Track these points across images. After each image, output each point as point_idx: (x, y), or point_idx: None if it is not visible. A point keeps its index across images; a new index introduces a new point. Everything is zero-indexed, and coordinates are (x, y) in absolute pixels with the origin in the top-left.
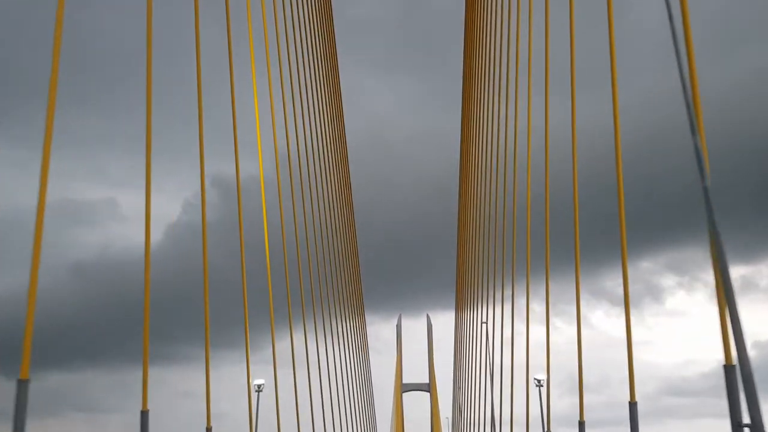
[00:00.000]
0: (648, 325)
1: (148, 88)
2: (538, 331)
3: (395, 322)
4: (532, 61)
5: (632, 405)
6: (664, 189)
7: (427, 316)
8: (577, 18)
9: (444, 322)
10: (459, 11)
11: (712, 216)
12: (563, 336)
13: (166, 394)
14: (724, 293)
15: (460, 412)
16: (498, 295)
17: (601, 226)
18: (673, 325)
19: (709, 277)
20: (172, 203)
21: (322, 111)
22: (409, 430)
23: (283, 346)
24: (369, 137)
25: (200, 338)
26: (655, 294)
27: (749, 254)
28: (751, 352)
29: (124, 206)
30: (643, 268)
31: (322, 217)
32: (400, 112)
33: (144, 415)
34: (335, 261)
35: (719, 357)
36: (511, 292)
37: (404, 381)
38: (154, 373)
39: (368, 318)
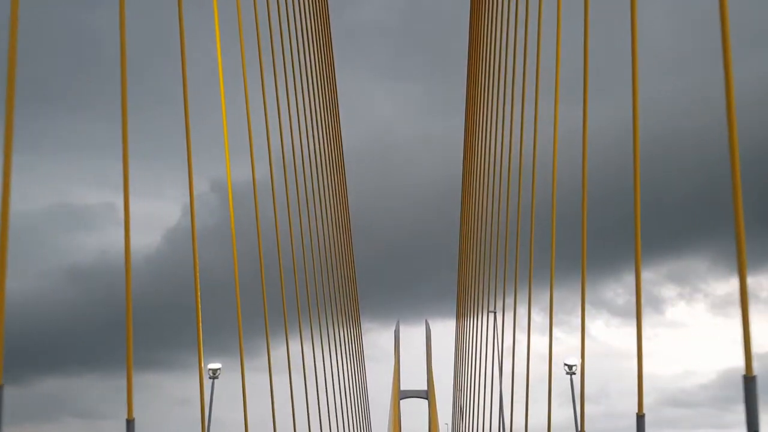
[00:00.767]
0: (647, 336)
1: (123, 90)
2: (539, 342)
3: (399, 334)
4: (539, 65)
5: (640, 417)
6: (666, 197)
7: (426, 322)
8: (578, 21)
9: (443, 331)
10: (463, 14)
11: (739, 226)
12: (563, 346)
13: (164, 401)
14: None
15: (461, 414)
16: (500, 304)
17: (601, 235)
18: (673, 336)
19: (710, 287)
20: (173, 207)
21: (318, 118)
22: None
23: (278, 353)
24: (370, 142)
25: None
26: (656, 305)
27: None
28: (753, 364)
29: (122, 211)
30: (644, 278)
31: (318, 226)
32: (402, 118)
33: (130, 424)
34: (331, 269)
35: (718, 368)
36: (513, 300)
37: (402, 388)
38: (152, 379)
39: (367, 326)
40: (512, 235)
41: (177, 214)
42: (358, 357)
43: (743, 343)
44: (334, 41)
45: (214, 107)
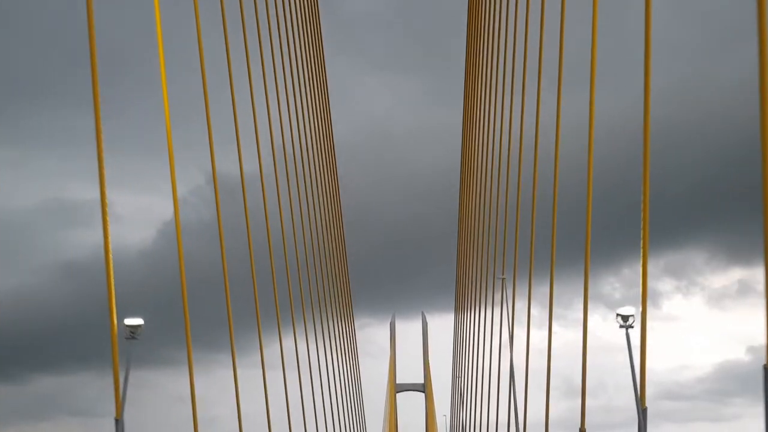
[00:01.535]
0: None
1: (95, 87)
2: (535, 335)
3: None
4: (542, 55)
5: (642, 411)
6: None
7: (422, 314)
8: (582, 14)
9: (441, 325)
10: (461, 5)
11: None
12: (560, 340)
13: (160, 398)
14: None
15: (461, 404)
16: (498, 297)
17: (598, 229)
18: (670, 330)
19: (707, 281)
20: (169, 202)
21: (308, 110)
22: (404, 430)
23: (273, 350)
24: (366, 134)
25: (196, 340)
26: (653, 298)
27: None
28: (748, 356)
29: (118, 206)
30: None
31: (309, 219)
32: (399, 109)
33: (118, 423)
34: (322, 263)
35: (714, 361)
36: (512, 293)
37: (398, 381)
38: (148, 376)
39: (365, 321)
40: (511, 225)
41: (173, 208)
42: (351, 350)
43: (766, 333)
44: (332, 33)
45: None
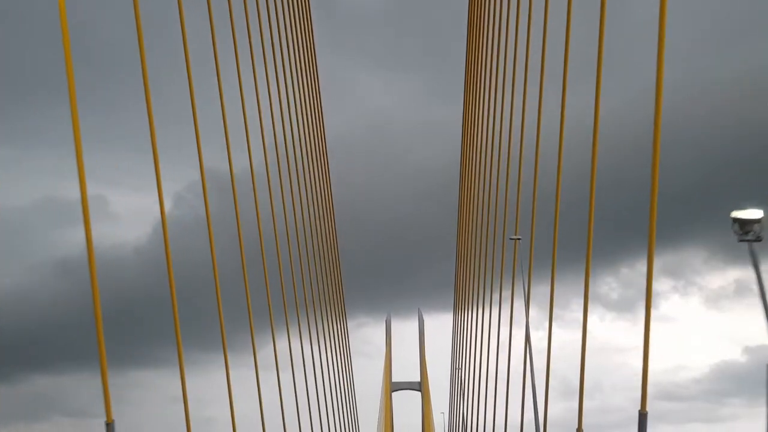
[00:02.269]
0: (639, 331)
1: (70, 82)
2: (533, 336)
3: (390, 325)
4: (545, 50)
5: (642, 415)
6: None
7: (419, 311)
8: (586, 9)
9: (439, 324)
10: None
11: None
12: (557, 340)
13: (156, 399)
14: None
15: (461, 398)
16: (496, 297)
17: (595, 228)
18: (666, 330)
19: (704, 281)
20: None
21: (299, 107)
22: (399, 429)
23: (267, 350)
24: (365, 131)
25: (192, 340)
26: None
27: None
28: (745, 357)
29: (114, 204)
30: (639, 271)
31: (303, 218)
32: (397, 106)
33: (109, 427)
34: (315, 261)
35: (710, 362)
36: (510, 292)
37: (394, 379)
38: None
39: (360, 320)
40: (511, 223)
41: (168, 205)
42: (344, 349)
43: None
44: (330, 29)
45: (209, 98)
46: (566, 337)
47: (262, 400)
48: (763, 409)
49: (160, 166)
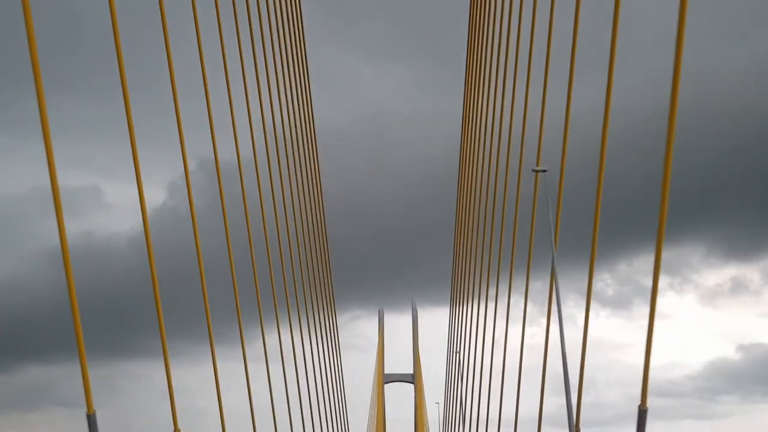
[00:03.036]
0: (636, 327)
1: (36, 70)
2: (527, 332)
3: (383, 316)
4: (551, 39)
5: (642, 411)
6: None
7: (413, 302)
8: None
9: (434, 319)
10: None
11: None
12: (551, 336)
13: (150, 391)
14: None
15: (455, 389)
16: (492, 293)
17: (591, 221)
18: (662, 327)
19: (701, 278)
20: (159, 190)
21: (287, 98)
22: (391, 422)
23: (258, 342)
24: (361, 121)
25: (187, 331)
26: (646, 295)
27: None
28: (738, 355)
29: (109, 195)
30: (636, 267)
31: (291, 209)
32: (393, 96)
33: (90, 419)
34: (303, 252)
35: (704, 359)
36: (507, 286)
37: (387, 371)
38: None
39: (354, 313)
40: (509, 221)
41: (163, 196)
42: (333, 340)
43: None
44: (327, 18)
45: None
46: (560, 333)
47: (251, 393)
48: (755, 406)
49: (156, 156)
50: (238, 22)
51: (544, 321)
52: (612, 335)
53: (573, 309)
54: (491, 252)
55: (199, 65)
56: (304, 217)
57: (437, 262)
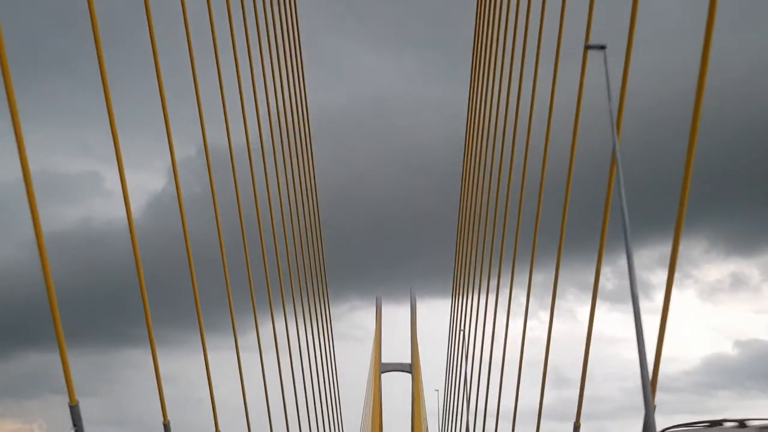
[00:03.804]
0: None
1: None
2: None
3: (382, 308)
4: (562, 27)
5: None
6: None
7: (411, 291)
8: None
9: (436, 310)
10: None
11: None
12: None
13: (148, 379)
14: None
15: (455, 380)
16: (493, 284)
17: (591, 213)
18: (659, 322)
19: (701, 273)
20: (159, 176)
21: (280, 87)
22: (388, 413)
23: (252, 332)
24: (364, 108)
25: (185, 319)
26: (645, 290)
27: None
28: (735, 350)
29: (108, 180)
30: (638, 262)
31: (286, 199)
32: (397, 83)
33: (73, 409)
34: (297, 242)
35: (701, 354)
36: (509, 279)
37: (384, 360)
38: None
39: (353, 303)
40: (512, 212)
41: (163, 182)
42: (326, 329)
43: None
44: (331, 4)
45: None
46: (559, 326)
47: (244, 382)
48: (751, 401)
49: (157, 143)
50: (231, 10)
51: (543, 313)
52: (610, 329)
53: (573, 302)
54: (493, 242)
55: (195, 56)
56: (296, 204)
57: (439, 252)
